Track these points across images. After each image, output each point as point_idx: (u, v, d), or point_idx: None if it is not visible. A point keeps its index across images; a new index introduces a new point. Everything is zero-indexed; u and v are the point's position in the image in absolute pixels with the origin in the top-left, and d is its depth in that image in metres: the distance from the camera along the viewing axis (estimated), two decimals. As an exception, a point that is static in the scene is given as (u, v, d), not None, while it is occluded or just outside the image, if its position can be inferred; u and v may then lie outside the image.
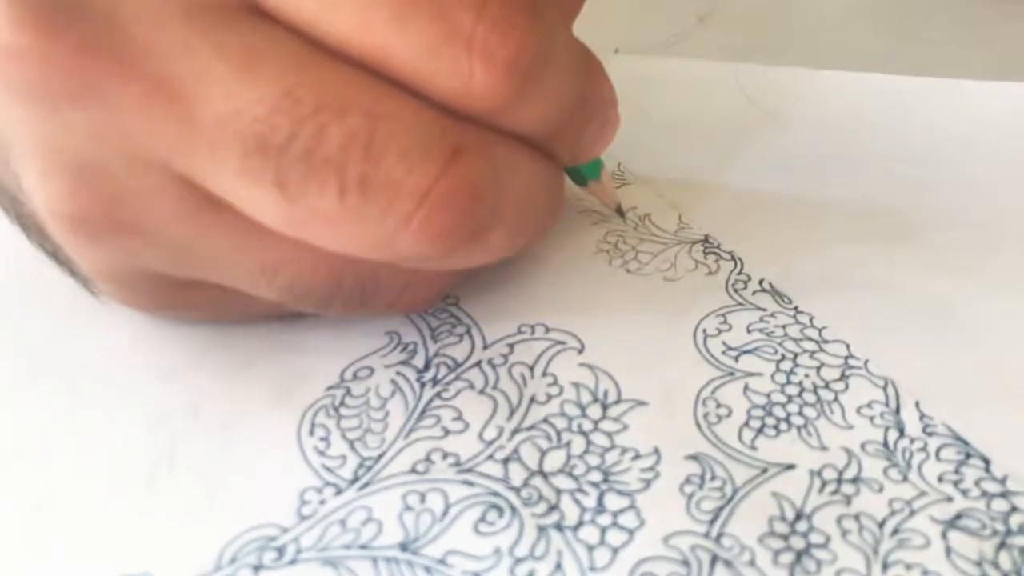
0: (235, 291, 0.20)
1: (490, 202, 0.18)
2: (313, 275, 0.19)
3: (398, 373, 0.22)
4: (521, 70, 0.17)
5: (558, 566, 0.18)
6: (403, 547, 0.18)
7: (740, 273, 0.25)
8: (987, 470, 0.19)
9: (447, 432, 0.20)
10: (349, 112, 0.16)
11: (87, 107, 0.17)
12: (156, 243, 0.19)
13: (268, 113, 0.16)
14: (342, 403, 0.21)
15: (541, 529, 0.19)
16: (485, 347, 0.23)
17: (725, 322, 0.23)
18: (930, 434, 0.20)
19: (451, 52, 0.17)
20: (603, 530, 0.19)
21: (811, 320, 0.23)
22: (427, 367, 0.22)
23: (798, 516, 0.19)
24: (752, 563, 0.18)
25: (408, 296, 0.21)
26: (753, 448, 0.20)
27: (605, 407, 0.21)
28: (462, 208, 0.17)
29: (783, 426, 0.20)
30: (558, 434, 0.20)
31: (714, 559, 0.18)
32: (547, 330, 0.23)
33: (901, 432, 0.20)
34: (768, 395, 0.21)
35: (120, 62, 0.16)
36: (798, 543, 0.18)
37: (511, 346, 0.23)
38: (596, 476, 0.19)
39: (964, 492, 0.19)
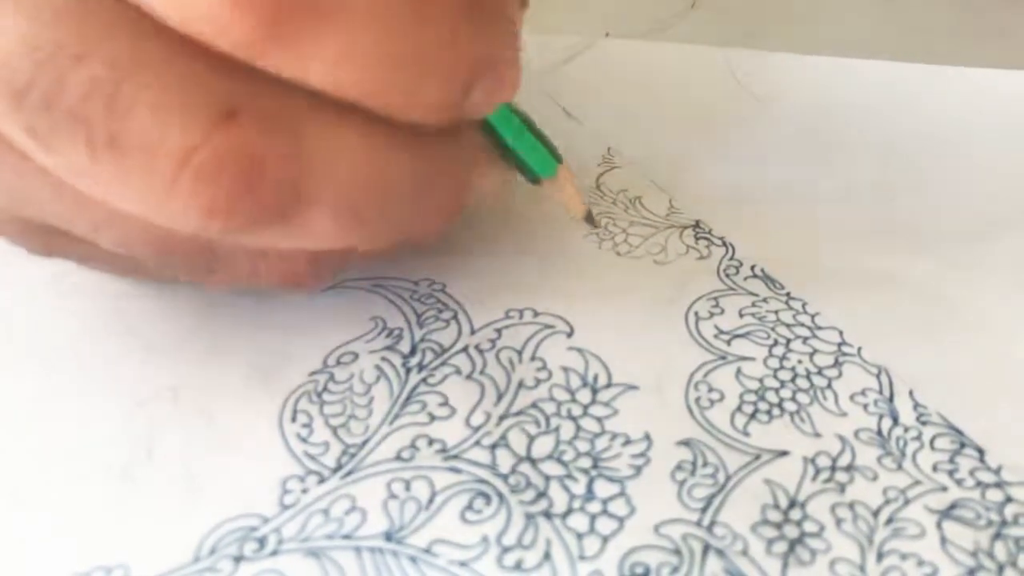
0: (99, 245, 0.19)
1: (282, 179, 0.16)
2: (142, 236, 0.18)
3: (383, 359, 0.21)
4: (275, 4, 0.15)
5: (546, 555, 0.18)
6: (388, 536, 0.18)
7: (732, 259, 0.24)
8: (982, 460, 0.19)
9: (433, 418, 0.20)
10: (89, 59, 0.15)
11: None
12: None
13: (7, 56, 0.15)
14: (325, 389, 0.21)
15: (529, 517, 0.18)
16: (472, 332, 0.22)
17: (717, 306, 0.23)
18: (924, 423, 0.20)
19: None
20: (593, 518, 0.18)
21: (804, 306, 0.23)
22: (413, 352, 0.22)
23: (792, 504, 0.18)
24: (745, 552, 0.17)
25: (266, 270, 0.20)
26: (746, 434, 0.20)
27: (595, 392, 0.21)
28: (237, 179, 0.16)
29: (776, 412, 0.20)
30: (547, 419, 0.20)
31: (706, 548, 0.18)
32: (535, 314, 0.23)
33: (895, 420, 0.20)
34: (761, 380, 0.21)
35: None
36: (792, 532, 0.18)
37: (499, 331, 0.22)
38: (586, 462, 0.19)
39: (959, 482, 0.19)
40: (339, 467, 0.19)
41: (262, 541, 0.18)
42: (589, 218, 0.25)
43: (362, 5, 0.16)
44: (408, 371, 0.21)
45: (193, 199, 0.16)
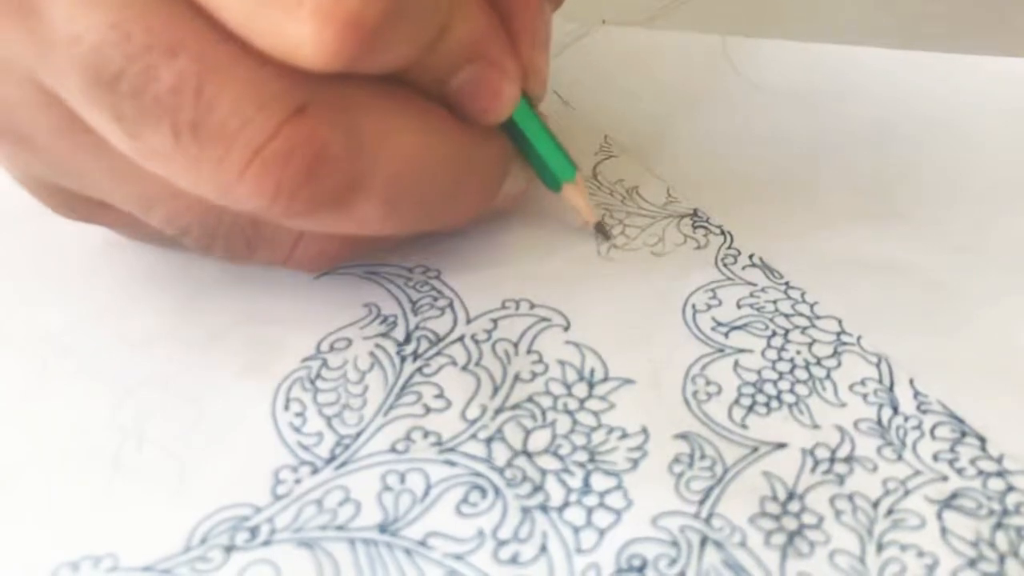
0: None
1: (343, 167, 0.17)
2: (188, 213, 0.19)
3: (377, 345, 0.21)
4: (361, 35, 0.16)
5: (543, 548, 0.17)
6: (382, 528, 0.18)
7: (730, 247, 0.24)
8: (983, 449, 0.19)
9: (428, 410, 0.20)
10: (179, 55, 0.16)
11: None
12: (42, 156, 0.19)
13: (99, 44, 0.16)
14: (319, 375, 0.21)
15: (525, 511, 0.18)
16: (468, 322, 0.22)
17: (715, 297, 0.22)
18: (924, 412, 0.20)
19: (275, 9, 0.16)
20: (589, 511, 0.18)
21: (802, 295, 0.22)
22: (407, 340, 0.21)
23: (790, 496, 0.18)
24: (743, 544, 0.17)
25: (300, 253, 0.21)
26: (743, 426, 0.19)
27: (591, 385, 0.20)
28: (301, 167, 0.17)
29: (774, 404, 0.20)
30: (543, 413, 0.20)
31: (704, 540, 0.17)
32: (532, 306, 0.22)
33: (895, 410, 0.20)
34: (759, 372, 0.21)
35: None
36: (790, 524, 0.18)
37: (495, 321, 0.22)
38: (582, 456, 0.19)
39: (959, 471, 0.19)
40: (333, 458, 0.19)
41: (254, 531, 0.18)
42: (601, 228, 0.24)
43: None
44: (403, 359, 0.21)
45: (260, 185, 0.17)
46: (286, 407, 0.20)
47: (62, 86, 0.17)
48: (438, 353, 0.21)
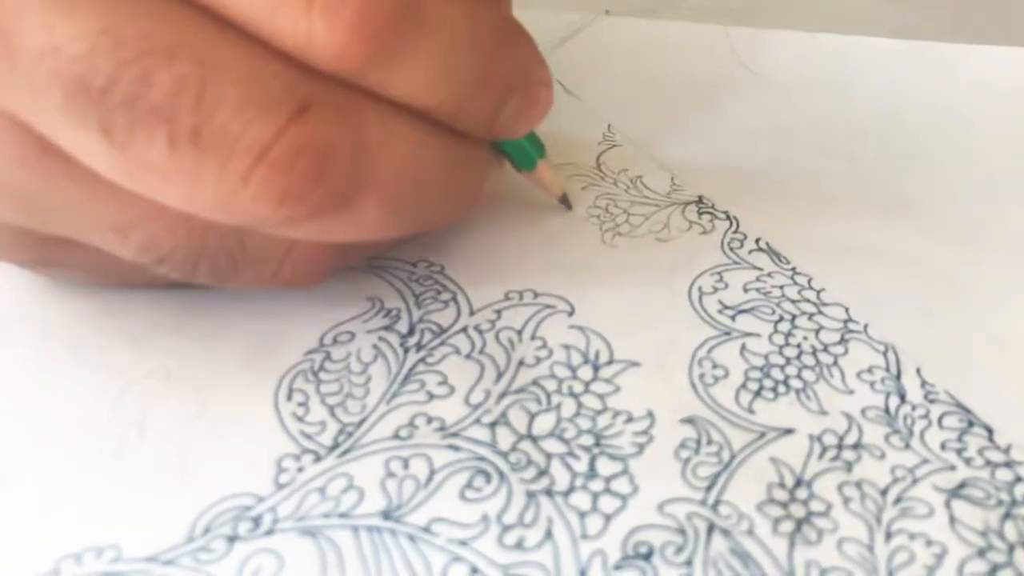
0: (102, 251, 0.19)
1: (348, 168, 0.17)
2: (171, 236, 0.18)
3: (380, 338, 0.21)
4: (373, 29, 0.16)
5: (548, 534, 0.17)
6: (385, 515, 0.18)
7: (736, 232, 0.24)
8: (990, 439, 0.19)
9: (432, 396, 0.20)
10: (178, 58, 0.15)
11: None
12: (2, 192, 0.17)
13: (87, 53, 0.15)
14: (322, 367, 0.20)
15: (530, 495, 0.18)
16: (471, 313, 0.22)
17: (721, 280, 0.22)
18: (932, 401, 0.20)
19: (290, 2, 0.16)
20: (595, 496, 0.18)
21: (809, 282, 0.22)
22: (411, 332, 0.21)
23: (798, 483, 0.18)
24: (751, 532, 0.17)
25: (288, 269, 0.20)
26: (751, 411, 0.19)
27: (596, 368, 0.20)
28: (309, 169, 0.16)
29: (781, 389, 0.20)
30: (548, 397, 0.20)
31: (711, 528, 0.17)
32: (535, 295, 0.22)
33: (902, 398, 0.20)
34: (766, 356, 0.20)
35: None
36: (798, 511, 0.17)
37: (498, 312, 0.22)
38: (587, 440, 0.19)
39: (967, 461, 0.18)
40: (336, 446, 0.19)
41: (257, 520, 0.17)
42: (565, 200, 0.25)
43: (444, 30, 0.17)
44: (406, 351, 0.21)
45: (266, 190, 0.16)
46: (289, 397, 0.20)
47: (29, 106, 0.16)
48: (442, 343, 0.21)
